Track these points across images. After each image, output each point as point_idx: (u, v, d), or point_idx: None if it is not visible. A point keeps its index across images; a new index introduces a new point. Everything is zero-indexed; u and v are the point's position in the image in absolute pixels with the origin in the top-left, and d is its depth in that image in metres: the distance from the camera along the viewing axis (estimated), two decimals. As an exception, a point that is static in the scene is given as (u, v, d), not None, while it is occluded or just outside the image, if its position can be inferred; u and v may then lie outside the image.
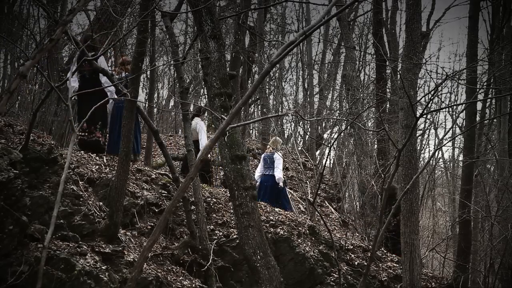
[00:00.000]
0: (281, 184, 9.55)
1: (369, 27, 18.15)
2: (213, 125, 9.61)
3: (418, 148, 14.59)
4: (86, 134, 7.64)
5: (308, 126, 15.06)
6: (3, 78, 13.42)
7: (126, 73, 7.88)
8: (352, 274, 7.97)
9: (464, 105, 10.66)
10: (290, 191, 10.92)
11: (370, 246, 8.11)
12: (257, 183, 9.86)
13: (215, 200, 7.97)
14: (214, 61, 6.49)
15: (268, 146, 10.00)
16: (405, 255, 7.02)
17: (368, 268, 6.01)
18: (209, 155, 9.50)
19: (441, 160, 18.51)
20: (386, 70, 13.32)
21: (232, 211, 7.25)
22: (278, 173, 9.53)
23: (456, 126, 16.33)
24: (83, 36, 9.41)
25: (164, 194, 7.41)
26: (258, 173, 9.88)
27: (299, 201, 11.17)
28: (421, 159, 16.21)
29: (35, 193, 5.49)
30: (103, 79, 7.40)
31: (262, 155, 10.05)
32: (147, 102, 9.81)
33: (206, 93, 8.99)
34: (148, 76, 14.18)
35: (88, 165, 6.94)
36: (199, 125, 9.53)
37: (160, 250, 6.63)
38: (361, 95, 13.82)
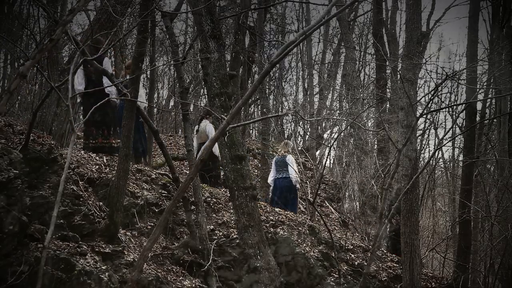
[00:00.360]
0: (298, 186, 9.57)
1: (369, 27, 18.15)
2: (212, 125, 9.59)
3: (418, 148, 14.60)
4: (101, 140, 7.72)
5: (308, 126, 15.06)
6: (3, 78, 13.43)
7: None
8: (352, 274, 7.97)
9: (464, 105, 10.66)
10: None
11: (370, 246, 8.12)
12: (271, 187, 9.85)
13: (215, 200, 7.97)
14: (214, 61, 6.50)
15: (280, 150, 10.01)
16: (405, 255, 7.03)
17: (368, 268, 6.02)
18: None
19: (441, 160, 18.51)
20: (386, 70, 13.32)
21: (232, 211, 7.25)
22: (294, 175, 9.53)
23: (456, 126, 16.32)
24: (84, 36, 9.41)
25: (164, 194, 7.41)
26: (271, 177, 9.86)
27: (299, 201, 11.17)
28: (421, 159, 16.21)
29: (35, 193, 5.50)
30: (105, 80, 7.42)
31: (274, 159, 10.03)
32: (147, 102, 9.81)
33: (206, 93, 8.99)
34: (148, 76, 14.18)
35: (88, 165, 6.95)
36: (209, 127, 9.47)
37: (160, 250, 6.63)
38: (361, 95, 13.82)
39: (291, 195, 9.61)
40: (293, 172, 9.52)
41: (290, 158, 9.63)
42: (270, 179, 9.86)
